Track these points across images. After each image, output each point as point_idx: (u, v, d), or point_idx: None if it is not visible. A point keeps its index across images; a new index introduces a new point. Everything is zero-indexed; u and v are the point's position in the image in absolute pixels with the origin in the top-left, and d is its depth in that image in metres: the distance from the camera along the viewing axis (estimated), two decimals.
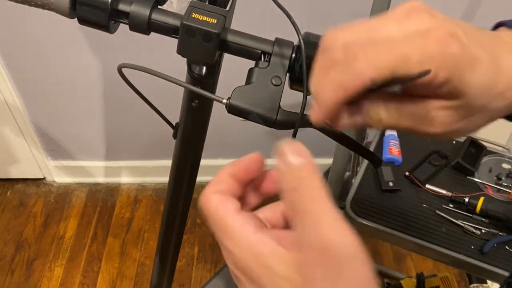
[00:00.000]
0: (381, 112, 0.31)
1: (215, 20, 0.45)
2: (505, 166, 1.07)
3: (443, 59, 0.28)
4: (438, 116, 0.30)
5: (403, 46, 0.28)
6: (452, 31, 0.29)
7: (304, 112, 0.46)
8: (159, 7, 0.48)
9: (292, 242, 0.28)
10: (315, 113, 0.31)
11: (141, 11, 0.47)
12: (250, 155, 0.34)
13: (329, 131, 0.48)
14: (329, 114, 0.30)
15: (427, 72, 0.27)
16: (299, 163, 0.28)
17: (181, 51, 0.46)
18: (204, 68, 0.57)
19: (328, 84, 0.29)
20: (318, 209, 0.27)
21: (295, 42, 0.48)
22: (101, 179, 1.88)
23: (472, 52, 0.29)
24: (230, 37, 0.47)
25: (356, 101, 0.31)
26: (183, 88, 0.55)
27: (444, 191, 1.00)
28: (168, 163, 0.76)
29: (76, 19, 0.48)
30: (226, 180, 0.33)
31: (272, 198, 0.36)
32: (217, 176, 0.33)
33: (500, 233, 0.94)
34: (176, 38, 0.46)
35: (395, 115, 0.31)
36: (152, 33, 0.49)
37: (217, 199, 0.31)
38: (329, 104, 0.29)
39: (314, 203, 0.27)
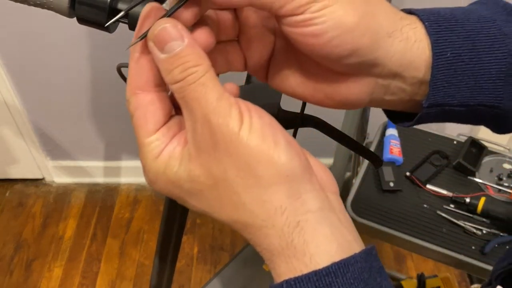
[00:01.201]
0: None
1: None
2: (506, 166, 1.07)
3: None
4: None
5: None
6: None
7: (304, 112, 0.46)
8: None
9: (188, 135, 0.28)
10: None
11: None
12: (144, 10, 0.30)
13: (329, 130, 0.48)
14: None
15: None
16: (180, 47, 0.27)
17: None
18: None
19: None
20: (204, 94, 0.26)
21: None
22: (100, 179, 1.88)
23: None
24: None
25: None
26: None
27: (445, 191, 1.00)
28: None
29: (75, 18, 0.48)
30: (143, 64, 0.29)
31: None
32: (132, 63, 0.29)
33: (501, 234, 0.94)
34: None
35: None
36: None
37: (136, 110, 0.29)
38: None
39: (199, 89, 0.26)
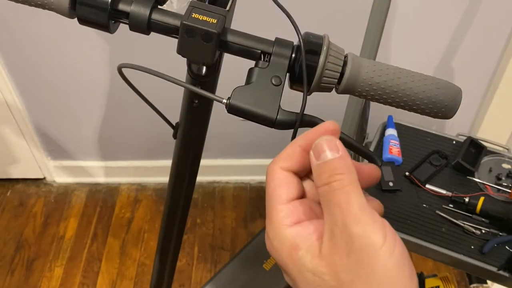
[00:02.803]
0: None
1: (215, 20, 0.45)
2: (505, 166, 1.07)
3: None
4: None
5: None
6: None
7: (304, 112, 0.46)
8: (159, 7, 0.48)
9: (325, 234, 0.29)
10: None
11: (141, 11, 0.47)
12: (323, 124, 0.33)
13: None
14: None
15: None
16: (332, 157, 0.30)
17: (181, 51, 0.46)
18: (204, 68, 0.57)
19: None
20: (347, 202, 0.28)
21: (295, 42, 0.48)
22: (101, 179, 1.88)
23: None
24: (230, 37, 0.47)
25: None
26: (183, 88, 0.55)
27: (444, 191, 1.00)
28: (168, 163, 0.76)
29: (76, 19, 0.48)
30: (297, 154, 0.33)
31: None
32: (288, 148, 0.33)
33: (500, 233, 0.94)
34: (176, 38, 0.46)
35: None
36: (152, 33, 0.49)
37: (277, 180, 0.32)
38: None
39: (342, 196, 0.29)
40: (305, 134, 0.33)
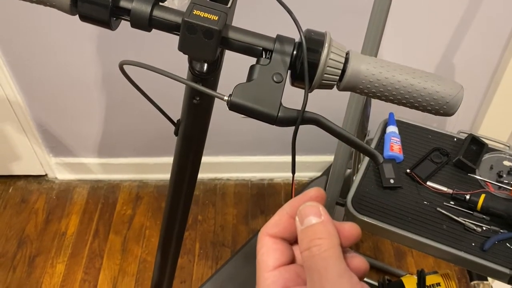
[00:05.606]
0: None
1: (217, 17, 0.45)
2: (506, 163, 1.07)
3: None
4: None
5: None
6: None
7: (306, 109, 0.46)
8: (160, 4, 0.49)
9: None
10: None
11: (143, 8, 0.47)
12: (308, 191, 0.34)
13: (330, 128, 0.48)
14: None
15: None
16: (315, 222, 0.31)
17: (182, 48, 0.46)
18: (206, 65, 0.57)
19: None
20: (325, 268, 0.29)
21: (297, 39, 0.48)
22: (102, 176, 1.88)
23: None
24: (232, 34, 0.47)
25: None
26: (184, 85, 0.55)
27: (445, 188, 1.00)
28: (169, 160, 0.76)
29: (77, 15, 0.48)
30: (284, 221, 0.34)
31: None
32: (276, 215, 0.34)
33: (501, 231, 0.94)
34: (178, 35, 0.46)
35: None
36: (154, 30, 0.49)
37: (264, 248, 0.33)
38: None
39: (321, 262, 0.29)
40: (291, 201, 0.34)
